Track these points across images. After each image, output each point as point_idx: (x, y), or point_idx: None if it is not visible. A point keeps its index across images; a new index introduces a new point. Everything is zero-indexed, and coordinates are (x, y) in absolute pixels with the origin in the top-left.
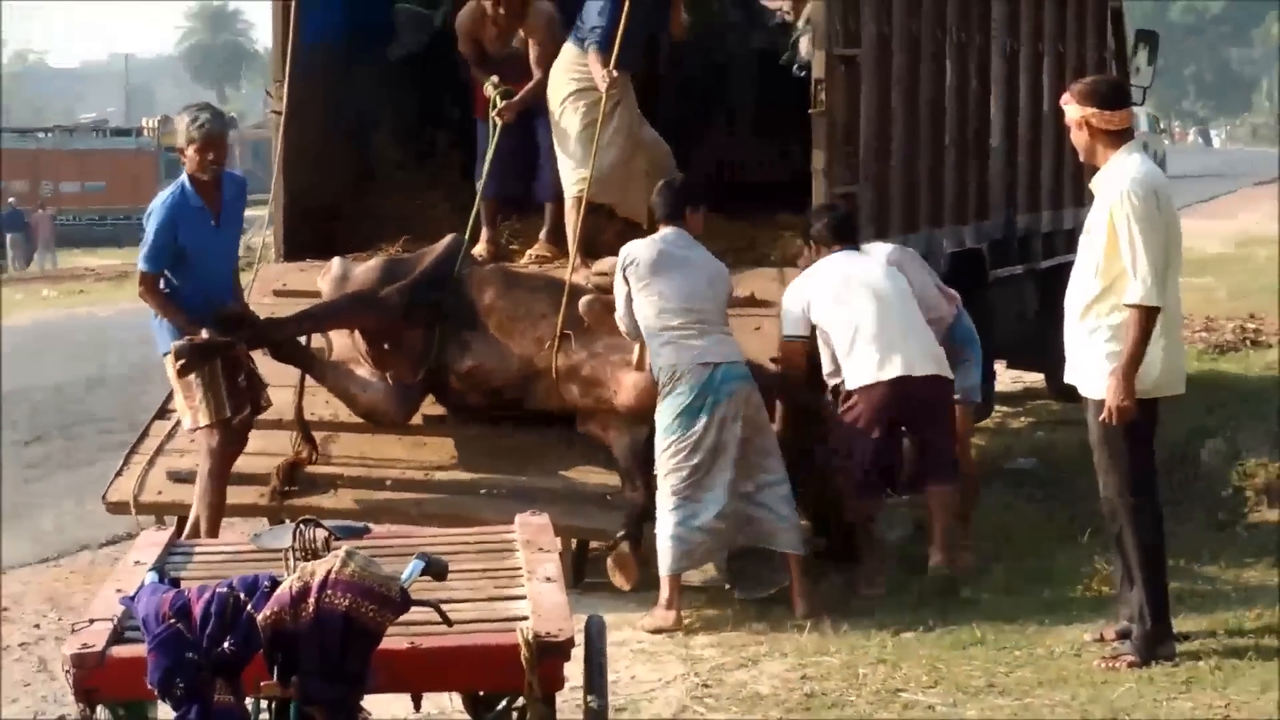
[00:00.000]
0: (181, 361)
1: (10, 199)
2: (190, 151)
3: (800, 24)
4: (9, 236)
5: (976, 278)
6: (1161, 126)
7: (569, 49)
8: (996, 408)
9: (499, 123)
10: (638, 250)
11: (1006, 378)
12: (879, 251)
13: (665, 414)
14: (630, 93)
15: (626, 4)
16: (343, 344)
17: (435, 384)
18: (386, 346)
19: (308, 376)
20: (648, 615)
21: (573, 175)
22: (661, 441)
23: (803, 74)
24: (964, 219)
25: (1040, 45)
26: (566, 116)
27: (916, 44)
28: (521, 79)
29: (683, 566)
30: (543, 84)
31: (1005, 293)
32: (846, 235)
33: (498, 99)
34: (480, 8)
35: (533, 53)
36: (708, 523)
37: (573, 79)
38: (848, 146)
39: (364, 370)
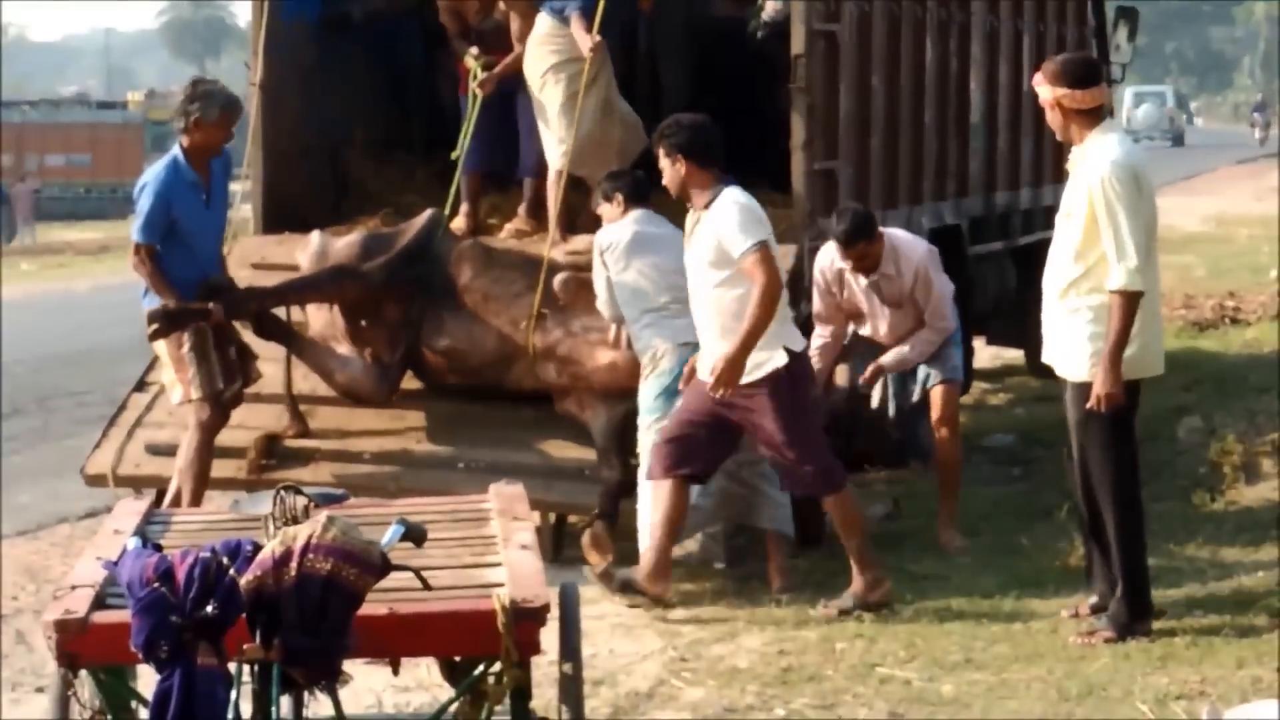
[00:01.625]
0: (154, 327)
1: None
2: (209, 126)
3: None
4: None
5: (956, 254)
6: (1188, 106)
7: (545, 21)
8: (975, 384)
9: (479, 95)
10: (614, 234)
11: (985, 354)
12: (909, 248)
13: (648, 393)
14: (609, 64)
15: None
16: (321, 321)
17: (413, 362)
18: (364, 323)
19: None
20: (633, 570)
21: (557, 148)
22: (644, 420)
23: (761, 35)
24: (943, 196)
25: (1020, 23)
26: (547, 90)
27: (897, 21)
28: (503, 52)
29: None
30: (523, 57)
31: (984, 269)
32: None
33: (478, 71)
34: None
35: (514, 25)
36: (692, 498)
37: (551, 51)
38: (827, 123)
39: (343, 348)
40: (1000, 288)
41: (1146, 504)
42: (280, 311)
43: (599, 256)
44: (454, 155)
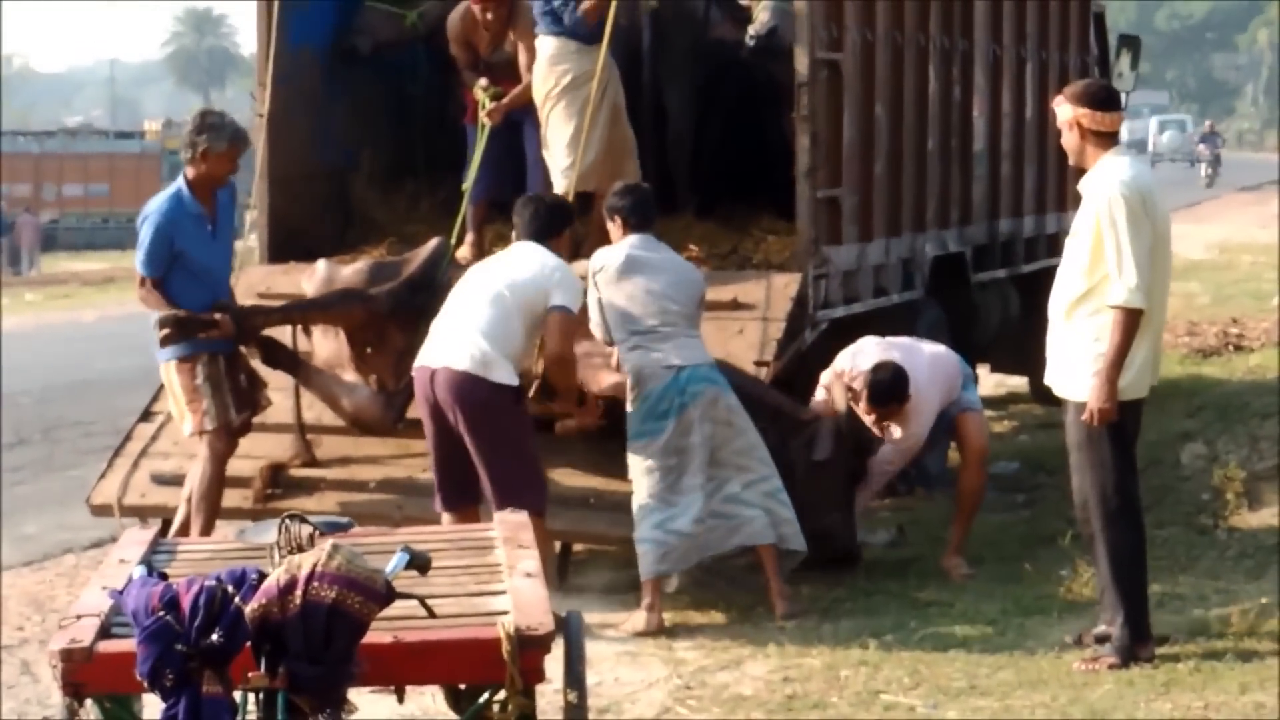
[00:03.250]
0: (165, 331)
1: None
2: (216, 158)
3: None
4: None
5: (959, 282)
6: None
7: (548, 42)
8: None
9: (487, 124)
10: (606, 256)
11: (989, 382)
12: (926, 413)
13: (633, 419)
14: (616, 80)
15: None
16: (328, 350)
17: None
18: (370, 350)
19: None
20: (630, 617)
21: (563, 173)
22: (631, 446)
23: (748, 49)
24: (947, 223)
25: (1023, 50)
26: (555, 111)
27: (900, 49)
28: (512, 82)
29: (660, 570)
30: (531, 86)
31: (988, 297)
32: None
33: (487, 101)
34: (470, 12)
35: (522, 57)
36: (684, 526)
37: (559, 72)
38: (831, 151)
39: (349, 375)
40: (1004, 315)
41: (1150, 529)
42: (287, 340)
43: (591, 278)
44: (464, 186)
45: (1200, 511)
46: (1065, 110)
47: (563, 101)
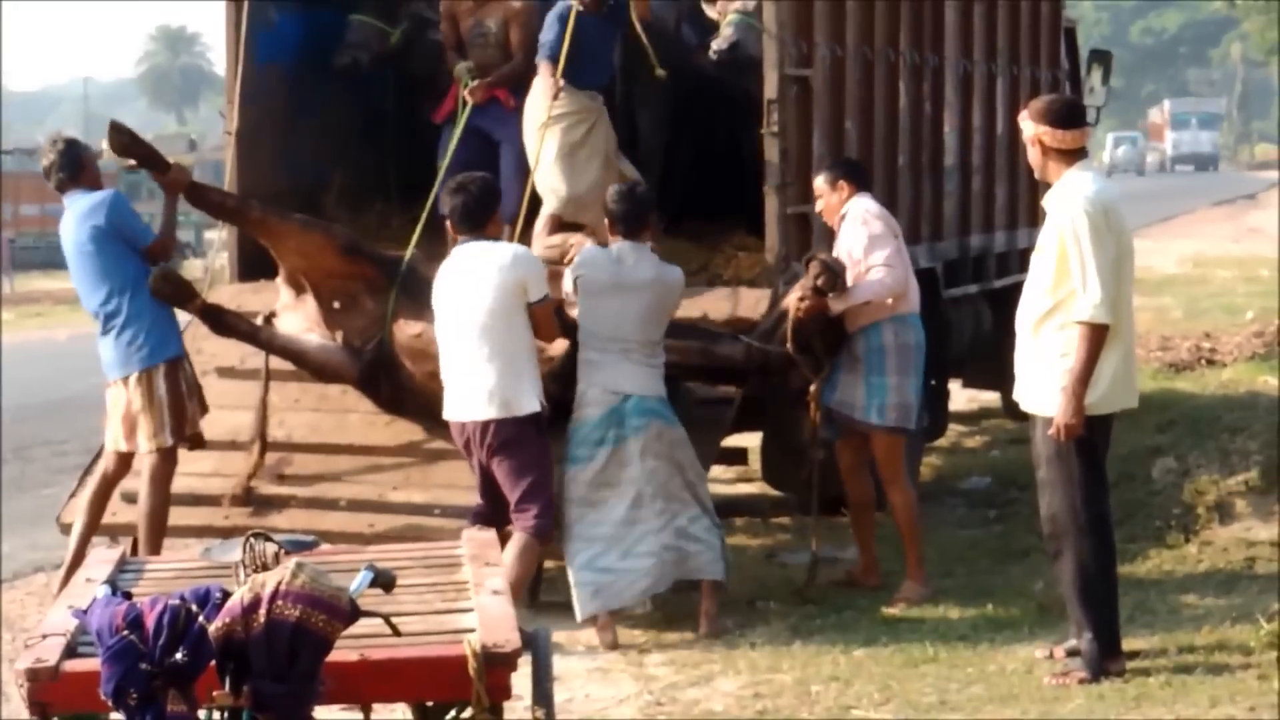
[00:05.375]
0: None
1: None
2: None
3: (730, 13)
4: None
5: (931, 298)
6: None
7: (547, 70)
8: (951, 427)
9: (468, 104)
10: (588, 263)
11: (961, 397)
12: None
13: (569, 443)
14: (605, 116)
15: (572, 16)
16: (293, 319)
17: (383, 357)
18: (338, 307)
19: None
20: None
21: (550, 195)
22: (566, 466)
23: (720, 54)
24: (918, 239)
25: (993, 65)
26: (546, 139)
27: (870, 65)
28: (490, 64)
29: (594, 609)
30: (519, 67)
31: (960, 312)
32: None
33: (468, 79)
34: None
35: (513, 35)
36: (613, 562)
37: (549, 102)
38: (800, 167)
39: (316, 336)
40: (976, 331)
41: (1121, 544)
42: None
43: (572, 277)
44: (439, 169)
45: (1171, 526)
46: (1028, 127)
47: (550, 131)
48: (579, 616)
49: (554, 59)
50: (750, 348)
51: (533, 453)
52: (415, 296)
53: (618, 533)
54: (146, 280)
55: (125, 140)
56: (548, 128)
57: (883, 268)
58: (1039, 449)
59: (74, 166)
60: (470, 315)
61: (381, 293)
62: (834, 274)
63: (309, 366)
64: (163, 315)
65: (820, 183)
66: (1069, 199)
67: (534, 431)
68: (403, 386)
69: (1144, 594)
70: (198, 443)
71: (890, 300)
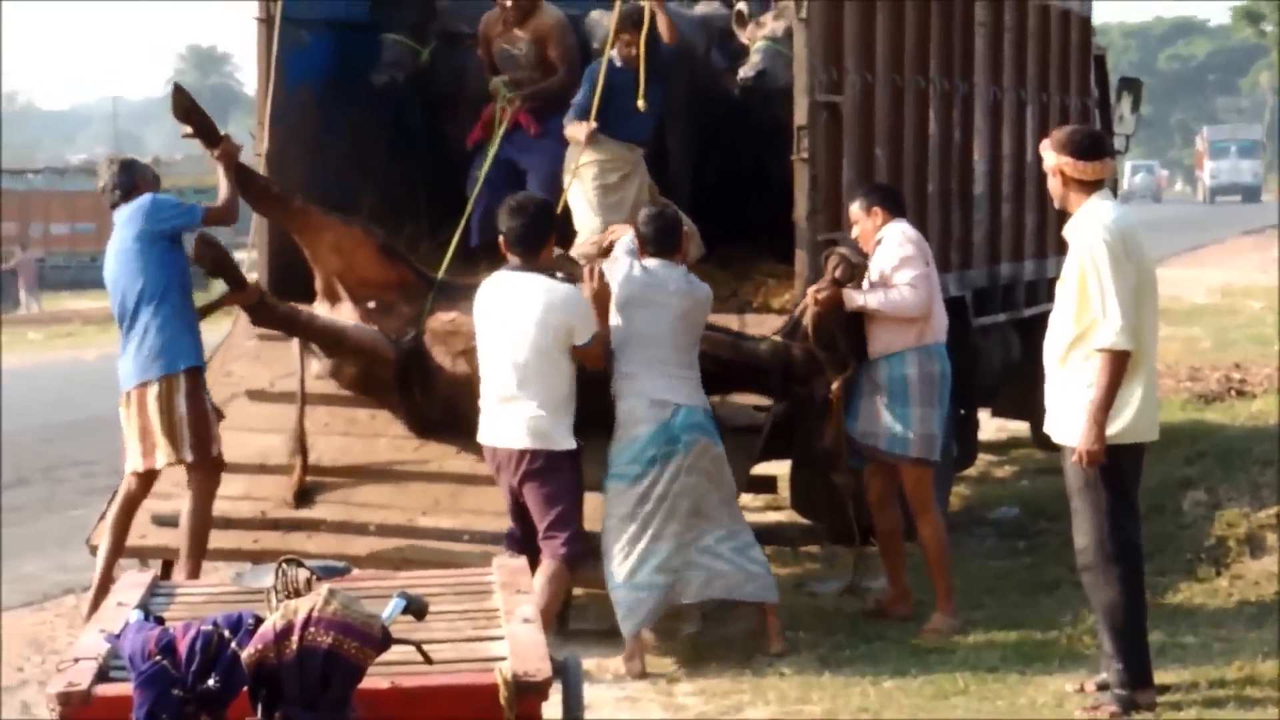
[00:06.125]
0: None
1: None
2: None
3: (759, 39)
4: None
5: (960, 326)
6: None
7: (573, 128)
8: (980, 456)
9: (506, 114)
10: (623, 278)
11: (990, 426)
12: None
13: (616, 458)
14: (642, 167)
15: (602, 72)
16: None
17: (419, 350)
18: (373, 308)
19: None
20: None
21: (584, 232)
22: (608, 485)
23: (746, 82)
24: (947, 267)
25: (1023, 93)
26: (582, 181)
27: (900, 92)
28: (522, 83)
29: (633, 625)
30: (557, 85)
31: (989, 341)
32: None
33: (505, 93)
34: (498, 9)
35: (550, 52)
36: (649, 578)
37: (589, 151)
38: (830, 194)
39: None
40: (1005, 359)
41: (1151, 577)
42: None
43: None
44: (474, 186)
45: (1202, 559)
46: (1049, 157)
47: (587, 172)
48: (626, 634)
49: (582, 116)
50: (775, 344)
51: (565, 481)
52: (451, 299)
53: (656, 547)
54: (174, 291)
55: (186, 104)
56: (577, 174)
57: (907, 287)
58: (1069, 479)
59: (128, 185)
60: (515, 348)
61: (417, 297)
62: (851, 265)
63: (346, 346)
64: (185, 326)
65: (856, 208)
66: (1088, 228)
67: (568, 464)
68: (433, 385)
69: (1174, 627)
70: (192, 467)
71: (916, 325)
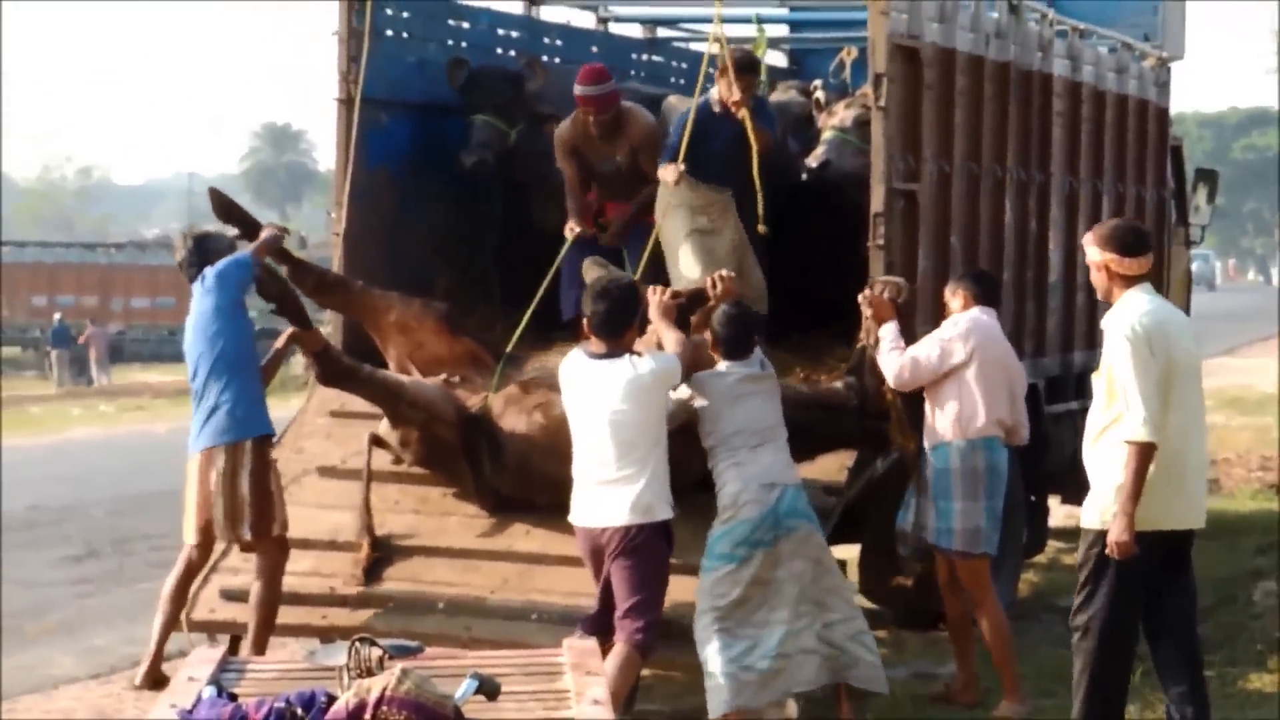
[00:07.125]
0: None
1: (57, 315)
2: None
3: (829, 129)
4: (54, 353)
5: (1033, 413)
6: None
7: (663, 171)
8: (1050, 543)
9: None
10: (700, 387)
11: (1060, 513)
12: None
13: (720, 540)
14: (733, 208)
15: (690, 116)
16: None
17: (485, 420)
18: (445, 379)
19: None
20: None
21: (677, 283)
22: (709, 567)
23: (810, 172)
24: (1021, 355)
25: (1099, 184)
26: (668, 229)
27: (976, 180)
28: (622, 201)
29: (735, 706)
30: (651, 196)
31: (1060, 428)
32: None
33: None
34: (580, 119)
35: (644, 162)
36: (758, 662)
37: (675, 200)
38: (906, 280)
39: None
40: (1075, 446)
41: (1220, 668)
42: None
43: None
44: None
45: (1271, 651)
46: (1094, 253)
47: (676, 218)
48: (714, 714)
49: (671, 159)
50: (848, 383)
51: (657, 565)
52: (520, 370)
53: (764, 633)
54: (244, 360)
55: (225, 204)
56: (668, 216)
57: (910, 356)
58: (1078, 557)
59: (204, 259)
60: (617, 431)
61: (488, 367)
62: (897, 286)
63: (407, 402)
64: (254, 393)
65: (946, 290)
66: (1119, 321)
67: (664, 541)
68: (502, 455)
69: (1244, 717)
70: (248, 547)
71: (958, 418)
